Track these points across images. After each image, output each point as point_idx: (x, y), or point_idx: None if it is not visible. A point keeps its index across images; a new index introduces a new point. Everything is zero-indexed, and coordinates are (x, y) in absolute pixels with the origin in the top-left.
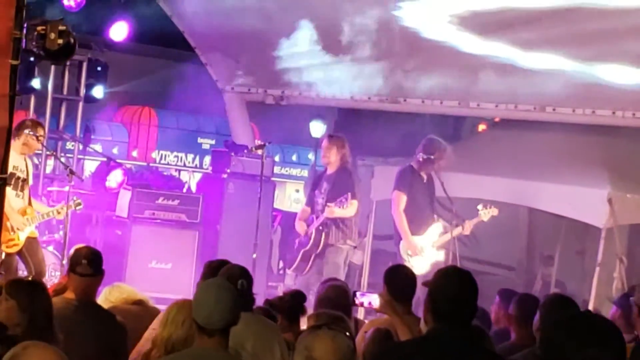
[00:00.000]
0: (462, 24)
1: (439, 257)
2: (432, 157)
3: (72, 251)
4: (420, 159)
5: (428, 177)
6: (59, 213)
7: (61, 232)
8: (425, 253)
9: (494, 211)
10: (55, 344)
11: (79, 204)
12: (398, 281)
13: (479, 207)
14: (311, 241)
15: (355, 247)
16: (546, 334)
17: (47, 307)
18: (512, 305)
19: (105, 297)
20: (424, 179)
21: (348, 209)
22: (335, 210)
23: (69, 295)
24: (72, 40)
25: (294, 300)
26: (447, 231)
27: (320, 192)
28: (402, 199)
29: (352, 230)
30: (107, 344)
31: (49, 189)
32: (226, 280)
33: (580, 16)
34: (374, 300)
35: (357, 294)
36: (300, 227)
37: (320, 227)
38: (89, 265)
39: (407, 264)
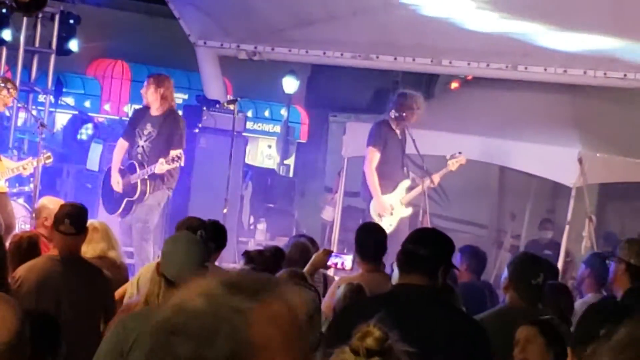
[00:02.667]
0: None
1: (406, 213)
2: (405, 112)
3: (39, 203)
4: (393, 115)
5: (402, 133)
6: (25, 169)
7: (32, 185)
8: (395, 211)
9: (462, 159)
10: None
11: (49, 158)
12: (366, 239)
13: (447, 156)
14: (137, 192)
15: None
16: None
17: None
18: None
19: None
20: (398, 135)
21: (179, 162)
22: (166, 167)
23: (54, 252)
24: None
25: (274, 257)
26: (415, 186)
27: (142, 133)
28: (376, 156)
29: (175, 177)
30: (96, 296)
31: (19, 135)
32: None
33: None
34: (347, 261)
35: (331, 255)
36: (115, 178)
37: (147, 178)
38: (71, 225)
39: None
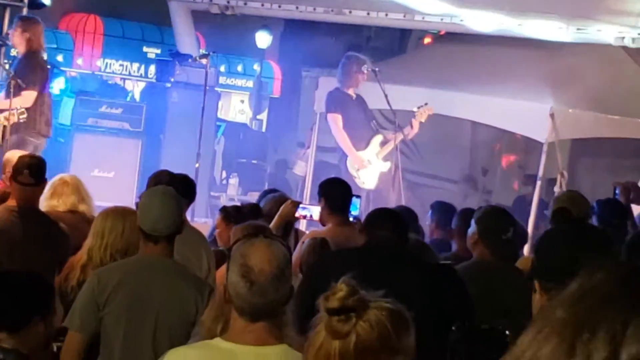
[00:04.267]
0: None
1: (385, 167)
2: (348, 76)
3: (5, 157)
4: (339, 80)
5: (357, 94)
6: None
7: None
8: (371, 165)
9: (429, 109)
10: None
11: (23, 113)
12: (334, 192)
13: (414, 109)
14: None
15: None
16: (541, 243)
17: None
18: (455, 219)
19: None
20: (352, 97)
21: (21, 99)
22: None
23: (11, 203)
24: None
25: (251, 213)
26: (388, 140)
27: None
28: (338, 119)
29: (37, 120)
30: (51, 250)
31: None
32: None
33: None
34: (314, 212)
35: (299, 206)
36: None
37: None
38: (30, 175)
39: (357, 179)
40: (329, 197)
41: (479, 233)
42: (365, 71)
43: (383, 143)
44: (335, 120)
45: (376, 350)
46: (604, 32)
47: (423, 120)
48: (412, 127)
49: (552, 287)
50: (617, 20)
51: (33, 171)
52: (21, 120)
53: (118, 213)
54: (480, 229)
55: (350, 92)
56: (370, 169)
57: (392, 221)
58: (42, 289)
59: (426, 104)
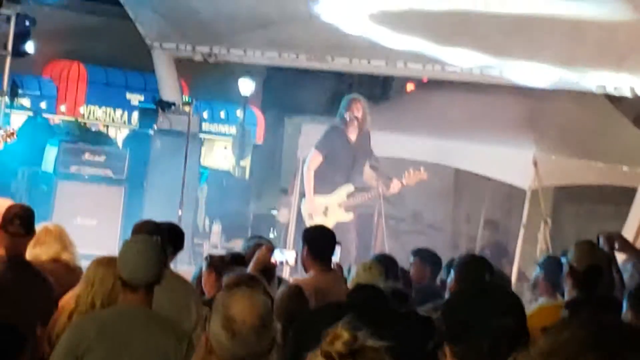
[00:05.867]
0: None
1: (346, 218)
2: (350, 116)
3: None
4: (342, 119)
5: (358, 137)
6: None
7: None
8: (329, 213)
9: (422, 175)
10: None
11: (12, 135)
12: (317, 240)
13: (408, 170)
14: None
15: None
16: (450, 306)
17: None
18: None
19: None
20: (351, 140)
21: None
22: None
23: (0, 252)
24: None
25: (235, 262)
26: (356, 192)
27: None
28: (317, 158)
29: None
30: (36, 301)
31: None
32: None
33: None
34: (290, 257)
35: (275, 251)
36: None
37: None
38: (21, 226)
39: (306, 222)
40: (312, 244)
41: (455, 279)
42: (362, 115)
43: (351, 195)
44: (313, 157)
45: None
46: (586, 80)
47: (411, 184)
48: (390, 187)
49: (462, 350)
50: (599, 69)
51: (23, 222)
52: (8, 142)
53: (110, 263)
54: (457, 275)
55: (351, 134)
56: (327, 217)
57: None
58: (13, 341)
59: (419, 169)
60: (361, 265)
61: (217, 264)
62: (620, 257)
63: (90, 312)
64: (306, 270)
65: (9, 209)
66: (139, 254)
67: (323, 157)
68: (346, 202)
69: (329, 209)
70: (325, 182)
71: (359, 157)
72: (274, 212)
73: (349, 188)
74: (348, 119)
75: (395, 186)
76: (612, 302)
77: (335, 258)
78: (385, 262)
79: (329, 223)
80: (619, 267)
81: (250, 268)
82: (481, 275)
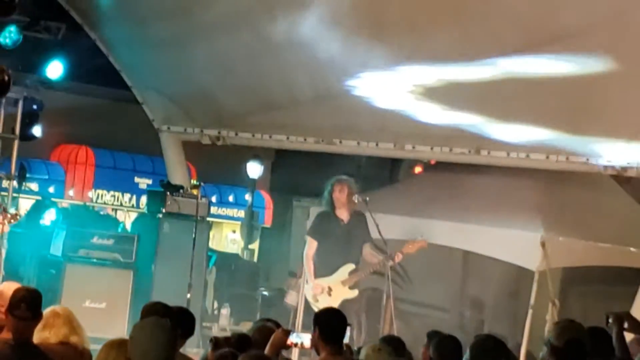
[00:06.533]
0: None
1: (351, 295)
2: (334, 198)
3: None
4: (327, 202)
5: (351, 217)
6: None
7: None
8: (333, 292)
9: (423, 243)
10: None
11: (16, 217)
12: (329, 322)
13: (409, 239)
14: None
15: None
16: None
17: None
18: (431, 347)
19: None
20: (342, 221)
21: None
22: None
23: (6, 335)
24: (6, 78)
25: (240, 343)
26: (358, 270)
27: None
28: (312, 244)
29: None
30: None
31: None
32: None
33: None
34: (306, 339)
35: (292, 334)
36: None
37: None
38: (28, 310)
39: (312, 306)
40: (322, 327)
41: None
42: (347, 195)
43: (353, 271)
44: (309, 244)
45: None
46: (593, 162)
47: (412, 252)
48: (394, 259)
49: None
50: (606, 148)
51: (30, 305)
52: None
53: (122, 345)
54: (472, 358)
55: (341, 215)
56: (331, 297)
57: None
58: None
59: (421, 236)
60: (370, 347)
61: (223, 345)
62: (628, 337)
63: None
64: (318, 353)
65: (15, 293)
66: (150, 337)
67: (317, 242)
68: (349, 279)
69: (332, 289)
70: (325, 264)
71: (354, 236)
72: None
73: (349, 267)
74: (334, 201)
75: (397, 257)
76: None
77: (345, 339)
78: (394, 344)
79: (335, 303)
80: (626, 346)
81: (267, 351)
82: (495, 356)
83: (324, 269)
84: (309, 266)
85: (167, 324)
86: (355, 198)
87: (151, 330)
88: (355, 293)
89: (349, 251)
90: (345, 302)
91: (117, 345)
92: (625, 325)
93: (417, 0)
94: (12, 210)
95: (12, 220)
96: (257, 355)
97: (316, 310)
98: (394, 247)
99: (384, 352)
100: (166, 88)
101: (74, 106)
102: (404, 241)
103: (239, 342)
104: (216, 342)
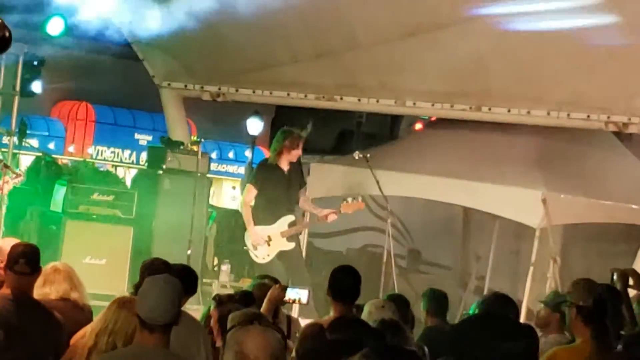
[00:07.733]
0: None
1: (287, 246)
2: (285, 147)
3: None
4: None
5: (290, 168)
6: None
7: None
8: (272, 243)
9: (360, 205)
10: None
11: (19, 176)
12: (339, 281)
13: (346, 200)
14: None
15: None
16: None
17: None
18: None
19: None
20: (283, 171)
21: None
22: None
23: (5, 291)
24: (7, 34)
25: (244, 300)
26: (296, 223)
27: None
28: (251, 192)
29: None
30: (46, 339)
31: None
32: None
33: None
34: (303, 295)
35: (289, 290)
36: None
37: None
38: (26, 265)
39: (251, 253)
40: (335, 285)
41: None
42: (293, 149)
43: (292, 224)
44: (248, 192)
45: None
46: (594, 118)
47: (349, 212)
48: (327, 217)
49: None
50: (607, 105)
51: (29, 260)
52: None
53: (132, 303)
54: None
55: (282, 165)
56: (270, 247)
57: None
58: None
59: (357, 199)
60: (373, 303)
61: (226, 303)
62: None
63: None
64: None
65: (13, 248)
66: (158, 294)
67: (257, 191)
68: (287, 231)
69: (272, 239)
70: (267, 213)
71: (293, 185)
72: None
73: (289, 218)
74: (283, 151)
75: (331, 217)
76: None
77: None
78: (397, 302)
79: (272, 253)
80: (630, 303)
81: (263, 307)
82: (505, 313)
83: (266, 218)
84: (245, 213)
85: (177, 282)
86: (355, 155)
87: (160, 287)
88: (292, 245)
89: (289, 199)
90: (281, 253)
91: (126, 305)
92: (630, 282)
93: None
94: (16, 170)
95: (16, 180)
96: (249, 311)
97: (254, 258)
98: (394, 203)
99: (387, 309)
100: (167, 45)
101: (74, 62)
102: (404, 198)
103: (242, 298)
104: (220, 300)
